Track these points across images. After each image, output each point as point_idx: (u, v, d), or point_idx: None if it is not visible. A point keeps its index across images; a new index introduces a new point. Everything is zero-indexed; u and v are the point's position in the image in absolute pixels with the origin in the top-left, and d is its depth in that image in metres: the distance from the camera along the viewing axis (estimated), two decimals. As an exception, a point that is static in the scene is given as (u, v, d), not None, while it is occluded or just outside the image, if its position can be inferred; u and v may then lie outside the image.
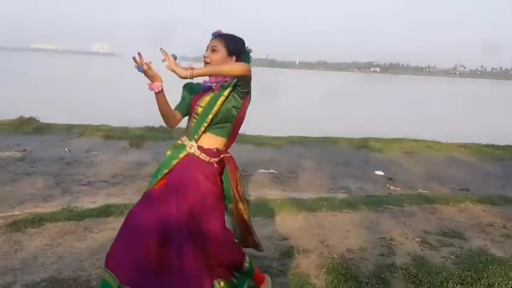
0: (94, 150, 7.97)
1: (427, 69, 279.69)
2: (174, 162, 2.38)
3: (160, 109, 2.34)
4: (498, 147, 10.98)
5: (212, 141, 2.40)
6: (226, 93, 2.35)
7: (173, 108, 2.42)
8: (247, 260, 2.55)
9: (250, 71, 2.28)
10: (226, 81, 2.41)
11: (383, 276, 3.17)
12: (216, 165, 2.40)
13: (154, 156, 7.81)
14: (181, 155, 2.38)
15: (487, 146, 11.12)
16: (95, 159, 7.28)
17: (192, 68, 2.13)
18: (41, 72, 51.41)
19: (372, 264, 3.35)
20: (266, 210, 4.56)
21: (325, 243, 3.73)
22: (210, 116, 2.35)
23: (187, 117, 2.49)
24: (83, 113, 13.52)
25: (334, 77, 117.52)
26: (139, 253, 2.26)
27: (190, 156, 2.38)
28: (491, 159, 9.40)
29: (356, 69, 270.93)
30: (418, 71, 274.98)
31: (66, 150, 7.75)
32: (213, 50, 2.38)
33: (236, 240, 2.51)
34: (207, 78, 2.45)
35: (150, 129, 10.21)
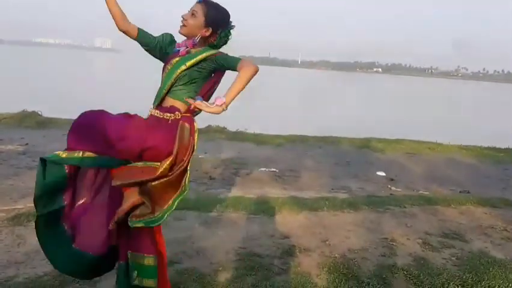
0: (96, 145, 7.98)
1: (429, 71, 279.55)
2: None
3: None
4: (499, 149, 10.97)
5: (174, 103, 2.42)
6: (187, 65, 2.35)
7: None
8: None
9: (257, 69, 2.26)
10: (194, 45, 2.41)
11: (384, 276, 3.18)
12: (176, 120, 2.39)
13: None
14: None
15: (488, 148, 11.12)
16: (97, 154, 7.29)
17: (223, 103, 2.13)
18: (44, 66, 51.44)
19: (374, 265, 3.36)
20: (267, 208, 4.57)
21: (326, 242, 3.74)
22: (168, 86, 2.39)
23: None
24: (85, 107, 13.50)
25: (336, 76, 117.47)
26: None
27: (150, 117, 2.42)
28: (492, 162, 9.40)
29: (358, 69, 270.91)
30: (420, 72, 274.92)
31: (68, 144, 7.77)
32: (192, 14, 2.36)
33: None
34: (179, 40, 2.49)
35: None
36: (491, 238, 4.14)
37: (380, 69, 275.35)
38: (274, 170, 7.32)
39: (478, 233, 4.25)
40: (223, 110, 2.14)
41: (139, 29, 2.44)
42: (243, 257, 3.31)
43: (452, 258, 3.58)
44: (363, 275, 3.18)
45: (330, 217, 4.44)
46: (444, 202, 5.21)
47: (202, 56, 2.36)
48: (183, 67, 2.35)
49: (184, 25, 2.38)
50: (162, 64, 2.50)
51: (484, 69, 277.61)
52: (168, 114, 2.37)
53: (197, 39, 2.39)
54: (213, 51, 2.38)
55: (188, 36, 2.42)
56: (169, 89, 2.40)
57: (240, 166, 7.34)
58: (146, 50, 2.50)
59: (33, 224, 3.70)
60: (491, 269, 3.35)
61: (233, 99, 2.18)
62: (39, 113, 10.20)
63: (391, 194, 6.12)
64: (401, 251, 3.66)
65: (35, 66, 48.57)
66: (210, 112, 2.14)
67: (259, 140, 9.88)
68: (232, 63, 2.31)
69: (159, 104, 2.42)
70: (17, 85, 21.08)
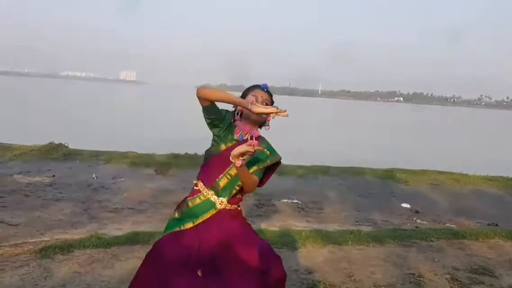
0: (120, 176, 8.09)
1: (452, 99, 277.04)
2: (199, 221, 2.26)
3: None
4: (527, 180, 10.72)
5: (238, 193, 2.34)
6: (261, 165, 2.30)
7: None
8: None
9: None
10: (258, 137, 2.35)
11: (412, 313, 3.11)
12: (240, 209, 2.37)
13: (180, 183, 7.88)
14: (214, 210, 2.26)
15: (515, 179, 10.87)
16: (122, 186, 7.39)
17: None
18: (70, 99, 52.71)
19: (401, 301, 3.29)
20: (291, 241, 4.54)
21: (352, 277, 3.68)
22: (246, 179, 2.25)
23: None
24: (110, 139, 13.80)
25: (356, 106, 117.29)
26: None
27: (223, 211, 2.28)
28: (520, 193, 9.18)
29: (379, 98, 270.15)
30: (442, 100, 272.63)
31: (93, 176, 7.89)
32: (266, 104, 2.32)
33: None
34: (239, 121, 2.35)
35: (175, 156, 10.32)
36: (522, 274, 4.02)
37: (402, 98, 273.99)
38: (297, 201, 7.29)
39: (507, 268, 4.14)
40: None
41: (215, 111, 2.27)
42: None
43: (482, 294, 3.50)
44: (391, 312, 3.12)
45: (355, 251, 4.39)
46: (471, 236, 5.10)
47: (269, 160, 2.34)
48: (254, 167, 2.28)
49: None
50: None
51: (507, 98, 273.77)
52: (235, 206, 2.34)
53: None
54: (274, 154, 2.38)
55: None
56: None
57: (262, 197, 7.33)
58: (209, 119, 2.28)
59: (60, 256, 3.78)
60: (523, 306, 3.26)
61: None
62: (66, 144, 10.42)
63: (417, 227, 6.01)
64: (428, 286, 3.58)
65: (61, 99, 49.86)
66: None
67: (281, 170, 9.84)
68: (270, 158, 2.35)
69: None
70: (44, 117, 21.63)
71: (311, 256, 4.16)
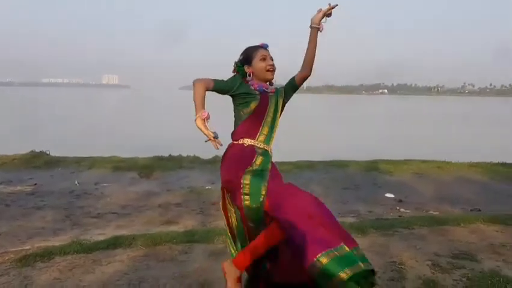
0: (103, 182, 8.05)
1: (436, 89, 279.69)
2: (269, 166, 2.60)
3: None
4: (509, 165, 10.88)
5: None
6: (283, 95, 2.78)
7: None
8: None
9: None
10: (271, 84, 2.78)
11: (393, 301, 3.13)
12: None
13: (164, 185, 7.86)
14: (270, 159, 2.65)
15: (498, 164, 11.02)
16: (105, 191, 7.34)
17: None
18: (52, 106, 52.21)
19: (383, 290, 3.31)
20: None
21: (334, 269, 3.69)
22: (278, 120, 2.75)
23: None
24: (92, 145, 13.69)
25: (341, 100, 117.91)
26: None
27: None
28: (502, 178, 9.31)
29: (363, 91, 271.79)
30: (426, 91, 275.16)
31: (76, 183, 7.83)
32: (272, 59, 2.73)
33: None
34: (252, 81, 2.71)
35: (159, 158, 10.29)
36: (503, 257, 4.06)
37: (386, 90, 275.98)
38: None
39: (489, 252, 4.18)
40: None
41: (214, 81, 2.58)
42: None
43: (463, 279, 3.52)
44: (372, 300, 3.13)
45: (338, 243, 4.40)
46: (453, 222, 5.14)
47: (283, 88, 2.84)
48: (281, 100, 2.77)
49: (274, 70, 2.73)
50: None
51: (491, 85, 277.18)
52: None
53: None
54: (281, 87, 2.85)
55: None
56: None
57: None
58: (225, 94, 2.68)
59: (40, 264, 3.74)
60: (503, 288, 3.29)
61: (316, 38, 2.77)
62: (47, 152, 10.33)
63: (400, 216, 6.06)
64: (410, 274, 3.60)
65: (42, 107, 49.34)
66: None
67: (266, 168, 9.87)
68: (292, 81, 2.85)
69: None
70: (25, 126, 21.37)
71: (294, 250, 4.16)
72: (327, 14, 2.66)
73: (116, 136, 18.19)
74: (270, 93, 2.72)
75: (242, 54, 2.74)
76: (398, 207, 6.77)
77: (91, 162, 9.66)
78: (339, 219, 5.63)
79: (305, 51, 2.74)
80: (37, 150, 10.39)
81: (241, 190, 2.49)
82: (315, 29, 2.66)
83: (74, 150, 11.04)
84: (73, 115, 34.10)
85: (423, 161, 10.89)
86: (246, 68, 2.70)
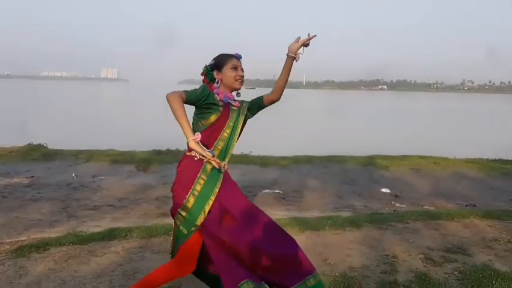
0: (100, 175, 8.06)
1: (435, 85, 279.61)
2: (218, 187, 2.46)
3: None
4: (506, 161, 10.92)
5: None
6: (245, 111, 2.67)
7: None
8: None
9: None
10: (238, 95, 2.71)
11: (385, 293, 3.16)
12: None
13: (161, 179, 7.87)
14: (221, 178, 2.49)
15: (494, 160, 11.07)
16: (102, 184, 7.35)
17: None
18: (50, 99, 52.11)
19: (375, 282, 3.34)
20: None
21: (327, 261, 3.72)
22: (237, 135, 2.63)
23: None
24: (90, 138, 13.69)
25: (340, 96, 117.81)
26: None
27: (225, 174, 2.54)
28: (498, 174, 9.35)
29: (363, 87, 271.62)
30: (426, 87, 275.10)
31: (73, 175, 7.84)
32: (243, 70, 2.67)
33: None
34: (218, 89, 2.62)
35: (157, 152, 10.30)
36: (494, 251, 4.10)
37: (385, 87, 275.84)
38: (279, 191, 7.32)
39: (481, 246, 4.21)
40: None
41: (186, 94, 2.47)
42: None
43: (455, 272, 3.55)
44: (364, 293, 3.16)
45: (331, 236, 4.43)
46: (447, 216, 5.18)
47: (247, 105, 2.71)
48: (242, 117, 2.65)
49: (242, 82, 2.66)
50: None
51: (490, 82, 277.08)
52: None
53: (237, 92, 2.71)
54: (246, 101, 2.74)
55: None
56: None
57: (244, 189, 7.29)
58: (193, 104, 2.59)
59: (36, 255, 3.77)
60: (494, 282, 3.32)
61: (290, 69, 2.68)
62: (45, 145, 10.33)
63: (395, 211, 6.09)
64: (402, 267, 3.63)
65: (41, 100, 49.25)
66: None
67: (264, 162, 9.91)
68: (259, 100, 2.74)
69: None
70: (23, 119, 21.35)
71: (288, 243, 4.18)
72: (305, 44, 2.61)
73: (114, 129, 18.19)
74: (233, 108, 2.63)
75: (214, 59, 2.68)
76: (393, 202, 6.80)
77: (89, 155, 9.67)
78: (334, 213, 5.69)
79: (279, 76, 2.68)
80: (35, 142, 10.39)
81: (179, 210, 2.44)
82: (292, 58, 2.61)
83: (71, 143, 11.04)
84: (71, 108, 34.08)
85: (421, 157, 10.92)
86: (215, 73, 2.63)
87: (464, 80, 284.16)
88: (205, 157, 2.40)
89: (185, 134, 2.39)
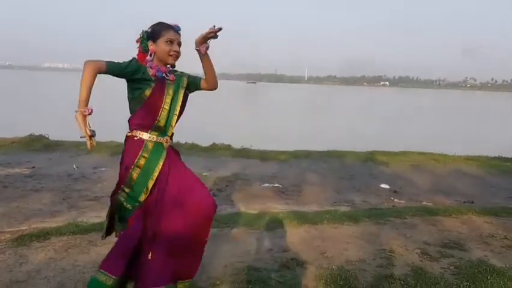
0: (101, 166, 8.09)
1: (437, 82, 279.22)
2: (161, 163, 2.52)
3: None
4: (505, 159, 10.94)
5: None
6: (184, 84, 2.62)
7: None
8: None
9: None
10: (173, 69, 2.62)
11: (381, 287, 3.20)
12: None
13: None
14: (164, 154, 2.54)
15: (494, 158, 11.09)
16: (103, 175, 7.39)
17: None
18: (52, 90, 52.07)
19: (371, 276, 3.38)
20: (268, 223, 4.61)
21: (324, 254, 3.76)
22: (178, 108, 2.57)
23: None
24: (91, 129, 13.67)
25: (342, 91, 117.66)
26: (126, 252, 2.53)
27: (169, 150, 2.59)
28: (498, 172, 9.37)
29: (365, 83, 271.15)
30: (428, 84, 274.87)
31: (74, 166, 7.87)
32: (179, 45, 2.57)
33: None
34: (151, 62, 2.54)
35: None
36: (491, 247, 4.14)
37: (388, 83, 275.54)
38: (278, 185, 7.35)
39: (477, 242, 4.25)
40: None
41: (106, 64, 2.38)
42: (241, 271, 3.34)
43: (451, 267, 3.59)
44: (360, 286, 3.20)
45: (329, 230, 4.47)
46: (445, 212, 5.21)
47: (187, 78, 2.63)
48: (182, 91, 2.60)
49: (177, 57, 2.58)
50: None
51: (492, 79, 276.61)
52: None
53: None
54: (185, 73, 2.68)
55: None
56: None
57: (244, 183, 7.39)
58: (122, 78, 2.50)
59: (36, 244, 3.80)
60: (489, 277, 3.36)
61: (210, 61, 2.57)
62: (46, 136, 10.36)
63: (393, 206, 6.13)
64: (399, 261, 3.67)
65: (42, 90, 49.24)
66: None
67: (263, 156, 9.94)
68: (198, 80, 2.68)
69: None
70: (25, 109, 21.39)
71: (286, 236, 4.23)
72: (213, 37, 2.49)
73: (115, 121, 18.20)
74: (168, 81, 2.56)
75: (151, 27, 2.56)
76: (392, 198, 6.83)
77: (90, 147, 9.69)
78: (332, 208, 5.73)
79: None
80: (36, 133, 10.42)
81: (122, 187, 2.55)
82: (197, 51, 2.53)
83: (73, 134, 11.04)
84: (72, 100, 34.02)
85: (420, 153, 10.95)
86: (149, 44, 2.53)
87: (466, 77, 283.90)
88: (84, 134, 2.24)
89: (79, 103, 2.25)
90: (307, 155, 10.40)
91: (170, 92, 2.55)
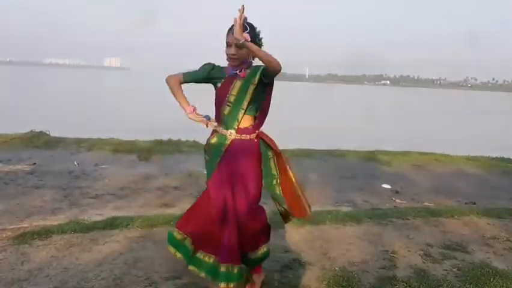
0: (102, 163, 8.07)
1: (438, 82, 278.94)
2: (223, 148, 2.68)
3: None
4: (507, 160, 10.92)
5: (246, 121, 2.73)
6: (255, 81, 2.64)
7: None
8: (266, 247, 2.93)
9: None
10: (248, 66, 2.70)
11: (383, 288, 3.19)
12: (256, 140, 2.76)
13: (162, 169, 7.89)
14: (227, 142, 2.69)
15: (496, 159, 11.07)
16: (104, 173, 7.38)
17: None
18: (53, 86, 52.12)
19: (373, 277, 3.37)
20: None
21: (327, 255, 3.75)
22: (246, 103, 2.67)
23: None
24: (93, 126, 13.72)
25: (343, 89, 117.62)
26: (202, 223, 2.74)
27: (234, 142, 2.70)
28: (500, 172, 9.35)
29: (365, 81, 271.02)
30: (429, 83, 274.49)
31: (75, 163, 7.86)
32: (238, 47, 2.61)
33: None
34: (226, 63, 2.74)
35: (158, 142, 10.31)
36: (493, 249, 4.13)
37: (388, 82, 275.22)
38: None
39: (480, 244, 4.24)
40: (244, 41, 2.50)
41: (182, 75, 2.75)
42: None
43: (453, 269, 3.58)
44: (363, 287, 3.19)
45: (332, 230, 4.46)
46: (447, 213, 5.20)
47: (260, 72, 2.65)
48: (252, 87, 2.67)
49: (234, 59, 2.66)
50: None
51: (493, 79, 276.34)
52: (248, 136, 2.75)
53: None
54: (261, 66, 2.67)
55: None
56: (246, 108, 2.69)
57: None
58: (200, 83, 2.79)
59: (38, 242, 3.80)
60: (492, 279, 3.35)
61: (253, 50, 2.53)
62: (47, 132, 10.34)
63: (395, 207, 6.11)
64: (401, 263, 3.66)
65: (43, 87, 49.29)
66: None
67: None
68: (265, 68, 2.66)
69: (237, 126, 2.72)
70: (26, 105, 21.39)
71: (288, 236, 4.21)
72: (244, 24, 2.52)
73: (117, 118, 18.21)
74: (239, 78, 2.69)
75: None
76: (394, 198, 6.82)
77: (91, 144, 9.68)
78: (334, 208, 5.71)
79: None
80: (37, 130, 10.39)
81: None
82: (244, 44, 2.52)
83: (74, 131, 11.06)
84: (73, 96, 34.07)
85: (422, 153, 10.92)
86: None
87: (467, 76, 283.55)
88: (202, 123, 2.65)
89: (182, 107, 2.63)
90: (307, 153, 10.36)
91: (237, 87, 2.68)
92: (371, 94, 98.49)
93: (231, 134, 2.68)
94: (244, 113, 2.69)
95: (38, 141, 9.63)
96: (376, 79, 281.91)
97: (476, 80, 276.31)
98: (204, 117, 2.68)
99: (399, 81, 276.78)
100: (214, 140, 2.74)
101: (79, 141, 9.84)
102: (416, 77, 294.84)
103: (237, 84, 2.67)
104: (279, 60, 2.53)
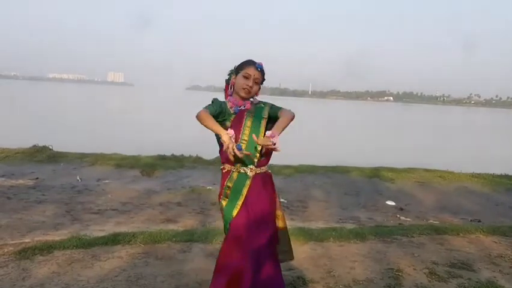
0: (105, 178, 8.07)
1: (441, 98, 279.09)
2: (245, 191, 2.57)
3: None
4: (511, 177, 10.85)
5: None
6: (266, 115, 2.64)
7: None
8: None
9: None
10: (251, 100, 2.70)
11: (389, 308, 3.13)
12: (269, 171, 2.71)
13: (165, 184, 7.88)
14: (249, 182, 2.58)
15: (500, 176, 10.99)
16: (106, 188, 7.36)
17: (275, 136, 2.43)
18: (56, 101, 52.35)
19: (379, 296, 3.31)
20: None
21: (331, 273, 3.70)
22: (260, 137, 2.56)
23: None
24: (95, 142, 13.73)
25: (346, 106, 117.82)
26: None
27: (256, 177, 2.60)
28: (504, 190, 9.29)
29: (369, 98, 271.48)
30: (432, 100, 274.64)
31: (78, 178, 7.86)
32: (256, 83, 2.65)
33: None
34: (231, 97, 2.69)
35: (161, 157, 10.31)
36: (500, 267, 4.06)
37: (391, 98, 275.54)
38: (283, 200, 7.30)
39: (486, 263, 4.18)
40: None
41: (208, 109, 2.57)
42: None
43: (459, 288, 3.52)
44: (368, 306, 3.14)
45: (336, 248, 4.40)
46: (452, 231, 5.13)
47: (269, 108, 2.68)
48: (263, 121, 2.64)
49: (249, 92, 2.65)
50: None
51: (496, 96, 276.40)
52: (264, 168, 2.67)
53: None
54: (268, 103, 2.73)
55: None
56: None
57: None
58: None
59: (39, 257, 3.76)
60: (499, 299, 3.29)
61: (280, 132, 2.49)
62: (50, 147, 10.36)
63: (399, 224, 6.06)
64: (406, 281, 3.60)
65: (47, 101, 49.50)
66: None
67: (268, 170, 9.87)
68: (277, 110, 2.67)
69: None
70: (29, 120, 21.46)
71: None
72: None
73: (120, 134, 18.24)
74: (248, 113, 2.65)
75: (241, 63, 2.71)
76: (398, 215, 6.77)
77: (94, 159, 9.69)
78: (338, 225, 5.65)
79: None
80: (40, 144, 10.42)
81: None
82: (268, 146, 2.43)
83: (77, 146, 11.08)
84: (76, 111, 34.20)
85: (426, 170, 10.87)
86: (232, 77, 2.70)
87: (471, 93, 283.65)
88: (232, 150, 2.38)
89: (219, 133, 2.43)
90: (312, 170, 10.35)
91: (249, 123, 2.62)
92: (373, 110, 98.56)
93: (252, 170, 2.60)
94: (262, 153, 2.62)
95: (41, 155, 9.66)
96: (379, 95, 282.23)
97: (479, 97, 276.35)
98: (237, 145, 2.43)
99: (402, 98, 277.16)
100: (235, 180, 2.60)
101: (81, 156, 9.85)
102: (419, 94, 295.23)
103: (248, 120, 2.63)
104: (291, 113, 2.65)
